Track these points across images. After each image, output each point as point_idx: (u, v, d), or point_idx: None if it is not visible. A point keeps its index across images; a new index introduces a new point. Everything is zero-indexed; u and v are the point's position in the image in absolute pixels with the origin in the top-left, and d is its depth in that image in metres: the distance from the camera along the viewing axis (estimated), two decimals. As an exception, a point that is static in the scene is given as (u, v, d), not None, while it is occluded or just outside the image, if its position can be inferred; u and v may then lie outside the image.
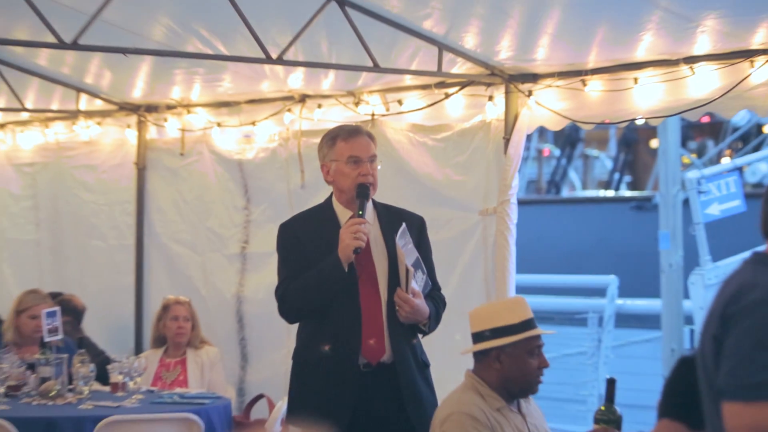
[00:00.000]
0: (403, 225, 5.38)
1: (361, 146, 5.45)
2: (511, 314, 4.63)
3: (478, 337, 4.64)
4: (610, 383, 4.50)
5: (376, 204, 5.56)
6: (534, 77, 7.01)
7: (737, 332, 2.89)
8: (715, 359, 2.99)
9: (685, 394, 3.68)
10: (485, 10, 6.41)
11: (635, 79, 6.56)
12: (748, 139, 23.70)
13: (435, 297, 5.57)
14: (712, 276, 9.61)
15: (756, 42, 6.07)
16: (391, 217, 5.55)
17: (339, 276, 5.32)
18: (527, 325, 4.62)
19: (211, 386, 7.37)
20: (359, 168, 5.41)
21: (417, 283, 5.33)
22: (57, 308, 6.94)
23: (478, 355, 4.64)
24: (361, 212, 5.39)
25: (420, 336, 5.53)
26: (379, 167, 5.52)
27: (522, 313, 4.65)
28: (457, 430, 4.43)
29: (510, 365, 4.57)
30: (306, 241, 5.43)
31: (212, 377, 7.50)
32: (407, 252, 5.34)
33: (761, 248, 3.29)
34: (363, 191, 5.44)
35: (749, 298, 2.94)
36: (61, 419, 6.00)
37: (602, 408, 4.44)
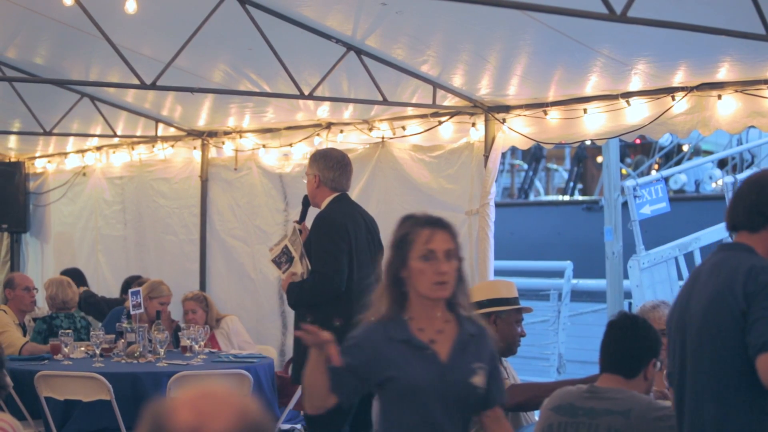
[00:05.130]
0: (294, 227, 5.54)
1: None
2: (507, 290, 4.67)
3: (476, 305, 4.61)
4: None
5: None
6: (507, 108, 6.99)
7: (765, 304, 3.03)
8: (739, 328, 3.08)
9: (620, 351, 3.67)
10: (469, 57, 6.39)
11: (585, 110, 6.54)
12: (671, 156, 23.67)
13: (305, 280, 5.48)
14: (645, 261, 9.55)
15: (676, 81, 6.06)
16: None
17: None
18: (517, 300, 4.66)
19: (242, 346, 7.27)
20: None
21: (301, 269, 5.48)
22: (139, 288, 6.93)
23: None
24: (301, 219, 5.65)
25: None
26: (305, 180, 5.72)
27: (515, 291, 4.71)
28: None
29: (503, 328, 4.58)
30: None
31: (239, 340, 7.40)
32: (295, 247, 5.49)
33: (729, 240, 3.35)
34: (304, 201, 5.72)
35: (764, 279, 3.07)
36: (143, 374, 6.03)
37: None
